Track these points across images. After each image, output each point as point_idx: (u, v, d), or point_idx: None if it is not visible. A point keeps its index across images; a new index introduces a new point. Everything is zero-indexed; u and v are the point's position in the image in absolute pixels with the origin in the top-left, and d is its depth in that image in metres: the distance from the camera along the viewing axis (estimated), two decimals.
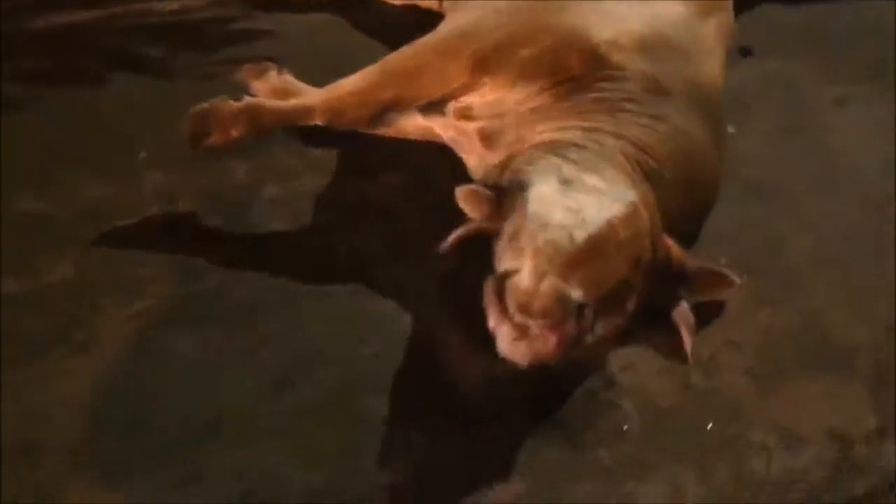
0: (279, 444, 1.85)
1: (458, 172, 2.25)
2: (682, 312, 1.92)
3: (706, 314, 2.02)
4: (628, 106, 1.97)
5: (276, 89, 2.40)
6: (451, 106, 2.23)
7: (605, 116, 1.95)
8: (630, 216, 1.82)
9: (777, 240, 2.24)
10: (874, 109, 2.58)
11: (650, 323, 1.93)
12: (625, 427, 1.90)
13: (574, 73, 2.01)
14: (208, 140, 2.20)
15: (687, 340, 1.89)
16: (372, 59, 2.44)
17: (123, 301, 2.10)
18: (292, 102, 2.24)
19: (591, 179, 1.85)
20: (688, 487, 1.80)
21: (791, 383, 1.97)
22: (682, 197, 2.01)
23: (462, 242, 1.98)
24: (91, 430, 1.86)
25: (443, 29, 2.27)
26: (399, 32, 2.67)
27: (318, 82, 2.38)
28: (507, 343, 1.74)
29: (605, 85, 1.99)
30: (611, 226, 1.78)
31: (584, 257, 1.74)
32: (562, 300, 1.70)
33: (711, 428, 1.89)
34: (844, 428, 1.91)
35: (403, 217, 2.32)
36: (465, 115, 2.19)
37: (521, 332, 1.72)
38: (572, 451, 1.88)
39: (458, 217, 1.99)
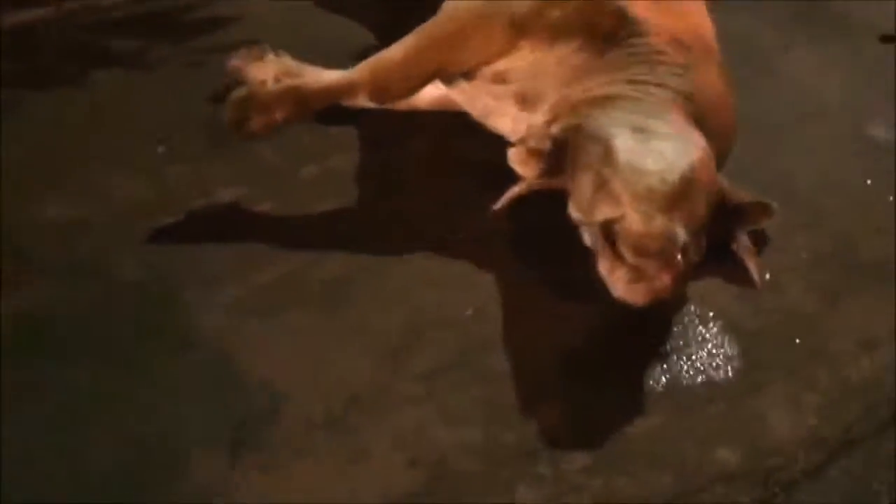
0: (422, 408, 1.88)
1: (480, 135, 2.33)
2: (744, 243, 2.09)
3: (757, 243, 2.18)
4: (661, 58, 2.06)
5: (279, 73, 2.37)
6: (485, 71, 2.26)
7: (644, 68, 2.05)
8: (704, 158, 1.97)
9: (785, 171, 2.44)
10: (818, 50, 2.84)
11: (715, 255, 2.08)
12: (725, 351, 2.03)
13: (606, 30, 2.08)
14: (250, 125, 2.15)
15: (753, 268, 2.06)
16: (345, 40, 2.54)
17: (206, 295, 2.05)
18: (335, 79, 2.22)
19: (661, 127, 1.99)
20: (803, 397, 1.96)
21: (850, 295, 2.17)
22: (716, 141, 2.17)
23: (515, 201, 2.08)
24: (213, 426, 1.83)
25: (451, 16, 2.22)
26: (367, 11, 2.75)
27: None
28: (625, 285, 1.84)
29: (635, 40, 2.08)
30: (693, 168, 1.92)
31: (680, 198, 1.88)
32: (672, 238, 1.83)
33: (798, 343, 2.05)
34: None
35: (440, 179, 2.35)
36: (501, 79, 2.24)
37: (638, 273, 1.82)
38: (691, 377, 2.00)
39: (492, 175, 2.09)
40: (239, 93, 2.15)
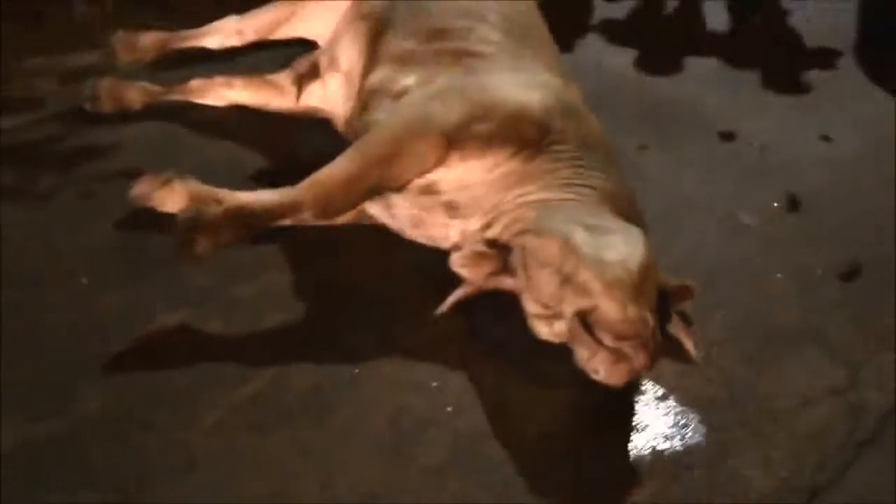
0: (441, 498, 1.91)
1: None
2: (676, 322, 2.29)
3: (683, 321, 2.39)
4: (581, 162, 2.22)
5: (193, 196, 2.35)
6: (413, 184, 2.34)
7: (570, 172, 2.20)
8: (647, 246, 2.17)
9: (681, 259, 2.67)
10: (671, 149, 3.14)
11: None
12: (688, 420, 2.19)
13: (531, 139, 2.21)
14: (197, 247, 2.11)
15: (689, 344, 2.25)
16: (232, 161, 2.65)
17: (186, 418, 2.00)
18: (279, 199, 2.20)
19: (605, 222, 2.16)
20: (769, 454, 2.14)
21: (774, 359, 2.39)
22: None
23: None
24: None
25: (401, 115, 2.31)
26: (227, 128, 2.84)
27: None
28: (607, 367, 1.96)
29: (556, 147, 2.22)
30: (644, 256, 2.10)
31: (642, 284, 2.03)
32: (645, 322, 1.98)
33: (748, 407, 2.24)
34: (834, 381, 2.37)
35: (381, 286, 2.41)
36: (429, 190, 2.32)
37: (618, 355, 1.96)
38: (669, 447, 2.13)
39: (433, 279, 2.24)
40: (186, 216, 2.09)
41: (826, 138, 3.04)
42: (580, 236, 2.00)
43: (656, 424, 2.12)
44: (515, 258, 2.08)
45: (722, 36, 3.73)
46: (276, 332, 2.21)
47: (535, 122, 2.23)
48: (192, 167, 2.49)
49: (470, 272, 2.09)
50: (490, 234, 2.17)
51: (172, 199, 2.38)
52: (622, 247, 2.00)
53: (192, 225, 2.06)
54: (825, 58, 3.49)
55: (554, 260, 1.98)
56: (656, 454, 2.06)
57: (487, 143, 2.21)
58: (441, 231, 2.27)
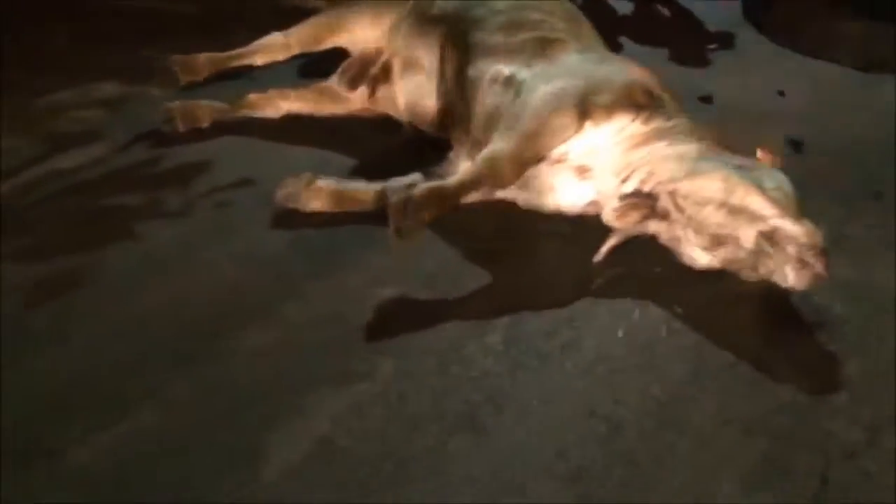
0: None
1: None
2: None
3: None
4: (684, 118, 2.63)
5: (335, 194, 2.73)
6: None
7: (683, 126, 2.60)
8: None
9: None
10: None
11: None
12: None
13: (644, 104, 2.62)
14: (407, 228, 2.39)
15: None
16: (309, 161, 2.92)
17: None
18: (465, 177, 2.53)
19: (737, 161, 2.60)
20: None
21: None
22: None
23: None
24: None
25: (539, 97, 2.63)
26: (293, 135, 3.16)
27: None
28: (796, 273, 2.37)
29: (662, 111, 2.60)
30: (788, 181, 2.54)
31: (798, 203, 2.48)
32: (818, 232, 2.39)
33: None
34: None
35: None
36: (562, 160, 2.70)
37: (802, 263, 2.38)
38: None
39: None
40: (397, 199, 2.38)
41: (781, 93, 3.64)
42: (735, 173, 2.48)
43: None
44: (665, 204, 2.52)
45: (628, 18, 4.28)
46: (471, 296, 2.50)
47: (643, 89, 2.69)
48: (286, 171, 2.77)
49: (622, 222, 2.53)
50: (626, 189, 2.59)
51: (317, 198, 2.68)
52: (771, 176, 2.49)
53: (402, 207, 2.36)
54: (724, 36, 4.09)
55: (716, 196, 2.44)
56: None
57: (610, 111, 2.63)
58: (570, 195, 2.70)
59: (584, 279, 2.54)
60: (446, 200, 2.43)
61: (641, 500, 1.94)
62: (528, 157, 2.56)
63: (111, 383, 2.15)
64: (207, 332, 2.31)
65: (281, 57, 3.30)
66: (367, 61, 3.17)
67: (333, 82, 3.21)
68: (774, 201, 2.36)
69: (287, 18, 3.44)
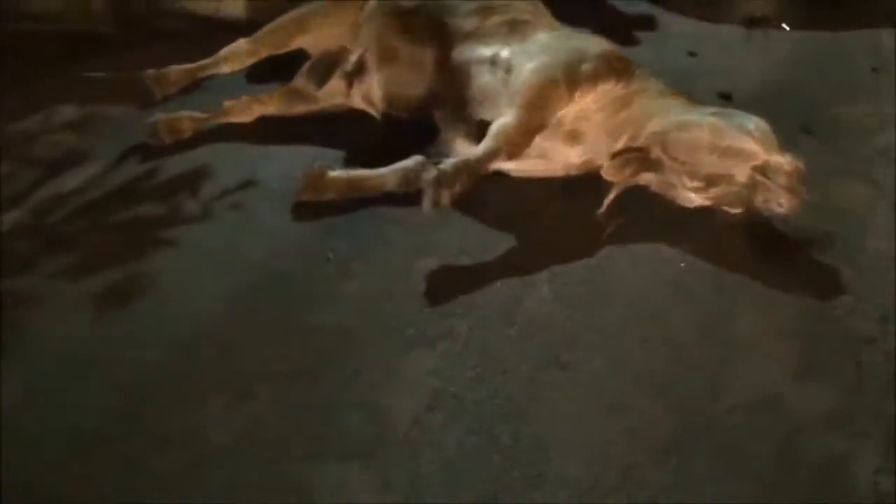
0: None
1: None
2: None
3: None
4: (655, 79, 2.97)
5: (349, 182, 2.92)
6: None
7: (659, 85, 2.92)
8: None
9: None
10: None
11: None
12: None
13: (622, 69, 2.91)
14: (442, 198, 2.61)
15: None
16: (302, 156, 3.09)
17: None
18: (485, 151, 2.74)
19: (713, 109, 2.92)
20: None
21: None
22: None
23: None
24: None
25: (533, 73, 2.87)
26: (273, 135, 3.29)
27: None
28: (787, 200, 2.70)
29: (637, 73, 2.92)
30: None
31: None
32: (801, 163, 2.73)
33: None
34: None
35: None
36: (554, 125, 2.94)
37: (793, 191, 2.71)
38: None
39: None
40: (429, 176, 2.60)
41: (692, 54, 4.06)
42: (719, 119, 2.82)
43: None
44: (657, 154, 2.81)
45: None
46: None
47: (618, 56, 3.01)
48: (283, 170, 3.01)
49: (620, 175, 2.82)
50: (618, 146, 2.89)
51: (332, 187, 2.88)
52: (749, 119, 2.82)
53: (437, 182, 2.59)
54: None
55: (707, 141, 2.75)
56: None
57: (594, 78, 2.92)
58: (561, 158, 2.98)
59: (596, 231, 2.79)
60: (473, 173, 2.65)
61: (720, 403, 2.26)
62: (534, 126, 2.82)
63: (219, 368, 2.32)
64: (282, 315, 2.49)
65: (248, 62, 3.41)
66: (332, 59, 3.34)
67: (300, 83, 3.34)
68: (760, 140, 2.68)
69: (205, 30, 3.62)
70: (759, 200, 2.70)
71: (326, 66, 3.34)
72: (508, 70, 2.94)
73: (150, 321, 2.42)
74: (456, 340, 2.39)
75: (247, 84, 3.49)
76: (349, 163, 3.05)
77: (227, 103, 3.26)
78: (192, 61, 3.37)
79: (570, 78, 2.88)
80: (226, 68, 3.39)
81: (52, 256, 2.63)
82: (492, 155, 2.70)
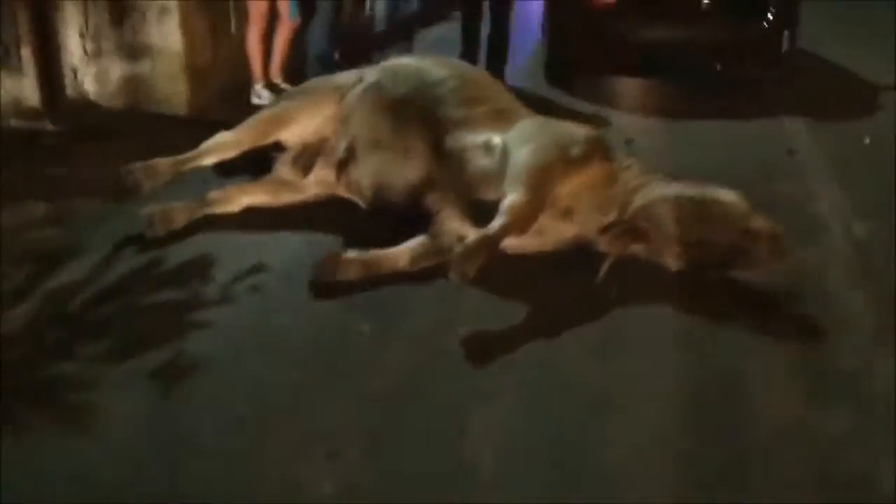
0: None
1: None
2: None
3: None
4: (633, 160, 3.35)
5: (365, 263, 3.08)
6: None
7: (637, 163, 3.30)
8: None
9: None
10: None
11: None
12: None
13: (606, 151, 3.28)
14: (469, 269, 2.79)
15: None
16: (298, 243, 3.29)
17: None
18: (500, 226, 2.91)
19: (691, 184, 3.25)
20: None
21: None
22: None
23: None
24: None
25: (532, 156, 3.13)
26: (260, 223, 3.45)
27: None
28: (776, 255, 3.03)
29: (617, 155, 3.34)
30: None
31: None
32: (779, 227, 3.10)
33: None
34: None
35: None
36: (551, 203, 3.16)
37: (777, 252, 3.04)
38: None
39: None
40: (458, 252, 2.81)
41: None
42: (697, 191, 3.16)
43: None
44: (645, 225, 3.10)
45: None
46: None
47: (601, 138, 3.33)
48: (287, 254, 3.18)
49: (614, 247, 3.09)
50: (609, 220, 3.15)
51: (351, 268, 3.03)
52: (724, 191, 3.14)
53: (463, 255, 2.77)
54: None
55: (689, 212, 3.06)
56: None
57: (585, 158, 3.19)
58: (555, 234, 3.20)
59: (596, 295, 3.03)
60: (493, 246, 2.85)
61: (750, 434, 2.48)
62: (540, 202, 3.05)
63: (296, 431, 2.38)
64: (338, 383, 2.58)
65: (232, 154, 3.52)
66: (314, 149, 3.52)
67: (284, 173, 3.49)
68: (740, 208, 3.03)
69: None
70: (741, 262, 2.98)
71: (310, 155, 3.49)
72: (504, 154, 3.16)
73: (210, 395, 2.46)
74: (516, 392, 2.55)
75: (216, 177, 3.59)
76: (346, 245, 3.15)
77: (213, 194, 3.35)
78: (143, 157, 3.43)
79: (565, 159, 3.13)
80: (211, 159, 3.49)
81: (88, 342, 2.61)
82: (507, 229, 2.91)
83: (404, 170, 3.37)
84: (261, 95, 4.85)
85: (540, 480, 2.24)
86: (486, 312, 2.93)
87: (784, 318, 2.99)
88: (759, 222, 2.99)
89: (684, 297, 3.03)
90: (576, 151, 3.17)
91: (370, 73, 3.62)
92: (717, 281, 3.09)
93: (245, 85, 4.90)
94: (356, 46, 5.53)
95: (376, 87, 3.47)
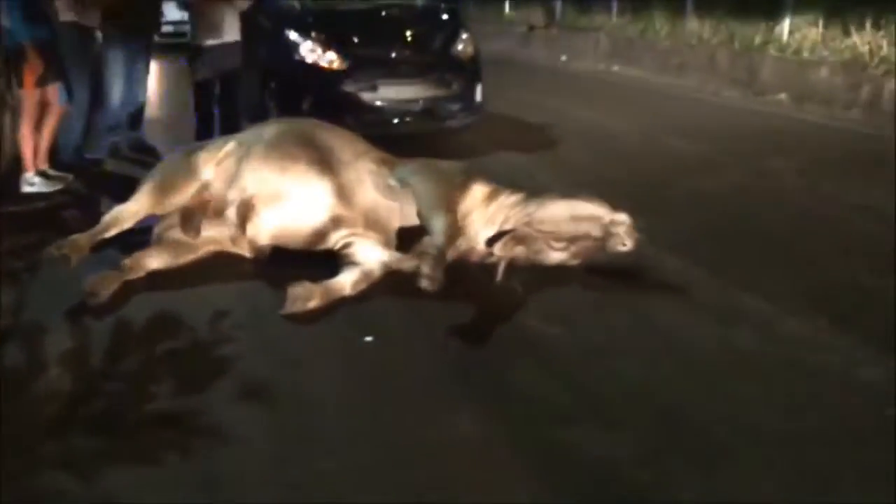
0: None
1: None
2: None
3: None
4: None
5: (324, 292, 3.35)
6: None
7: (502, 187, 3.86)
8: None
9: None
10: None
11: None
12: None
13: (478, 177, 3.85)
14: (435, 283, 3.21)
15: None
16: (228, 296, 3.34)
17: None
18: (442, 244, 3.41)
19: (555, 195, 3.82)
20: None
21: None
22: None
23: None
24: None
25: (427, 186, 3.71)
26: (177, 281, 3.51)
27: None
28: (633, 240, 3.60)
29: (483, 179, 3.86)
30: None
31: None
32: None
33: None
34: None
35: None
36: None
37: (632, 235, 3.67)
38: None
39: None
40: (428, 265, 3.21)
41: None
42: (565, 199, 3.73)
43: None
44: (525, 231, 3.62)
45: None
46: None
47: (466, 170, 3.90)
48: (237, 301, 3.38)
49: (507, 252, 3.58)
50: (495, 230, 3.66)
51: (315, 297, 3.29)
52: (584, 198, 3.78)
53: (432, 268, 3.20)
54: None
55: (565, 214, 3.63)
56: None
57: (465, 185, 3.73)
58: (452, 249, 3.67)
59: (514, 293, 3.55)
60: (443, 259, 3.33)
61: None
62: (456, 222, 3.58)
63: None
64: (371, 383, 2.84)
65: (131, 223, 3.67)
66: (198, 210, 3.75)
67: (177, 235, 3.68)
68: (602, 206, 3.70)
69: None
70: (609, 246, 3.66)
71: (196, 218, 3.73)
72: (404, 187, 3.68)
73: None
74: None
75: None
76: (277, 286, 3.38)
77: (127, 261, 3.48)
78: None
79: (455, 185, 3.70)
80: (116, 230, 3.64)
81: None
82: (447, 246, 3.42)
83: (310, 215, 3.66)
84: (33, 183, 4.83)
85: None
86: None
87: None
88: (617, 215, 3.65)
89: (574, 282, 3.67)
90: (458, 179, 3.75)
91: (246, 135, 3.95)
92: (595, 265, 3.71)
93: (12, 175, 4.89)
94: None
95: (262, 145, 3.78)
